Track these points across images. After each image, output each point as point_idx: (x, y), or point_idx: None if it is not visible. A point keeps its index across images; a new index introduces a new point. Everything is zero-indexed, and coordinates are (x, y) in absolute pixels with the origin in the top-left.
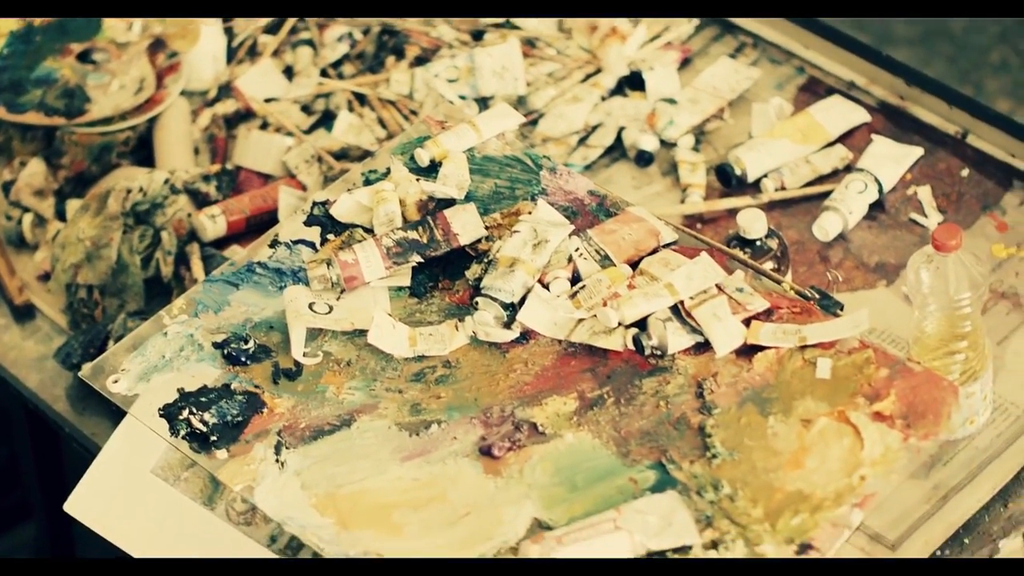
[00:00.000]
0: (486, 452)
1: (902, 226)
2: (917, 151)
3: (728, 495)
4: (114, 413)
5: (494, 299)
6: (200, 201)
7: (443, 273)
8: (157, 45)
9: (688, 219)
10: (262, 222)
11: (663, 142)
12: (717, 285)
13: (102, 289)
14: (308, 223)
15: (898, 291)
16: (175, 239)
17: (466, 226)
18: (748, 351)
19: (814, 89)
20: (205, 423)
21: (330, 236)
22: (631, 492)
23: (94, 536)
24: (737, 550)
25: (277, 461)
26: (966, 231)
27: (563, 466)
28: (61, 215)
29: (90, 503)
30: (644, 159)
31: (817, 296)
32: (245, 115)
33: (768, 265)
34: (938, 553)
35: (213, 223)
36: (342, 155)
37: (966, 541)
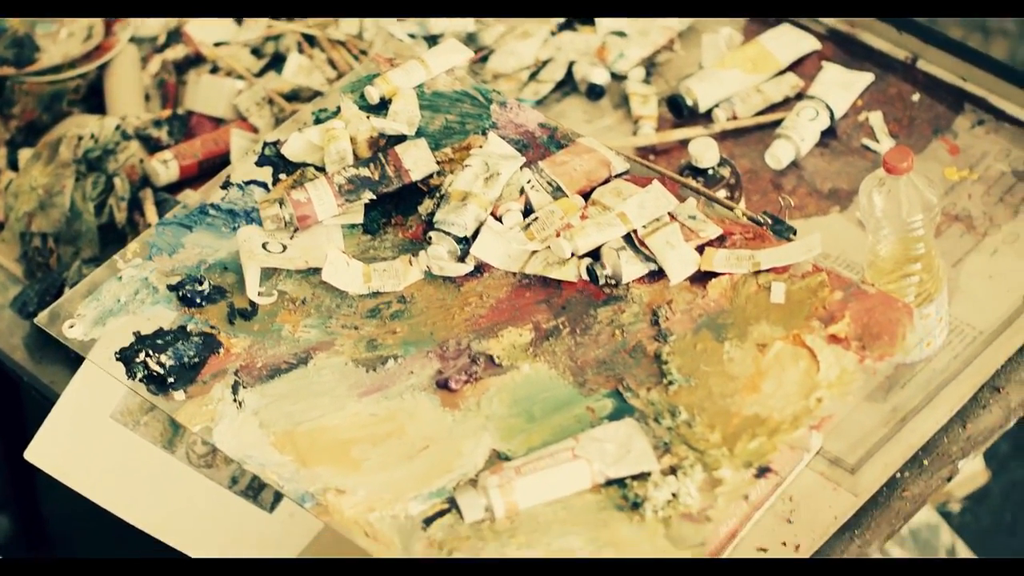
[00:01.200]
0: (443, 385)
1: (854, 152)
2: (867, 77)
3: (686, 421)
4: (72, 361)
5: (447, 233)
6: (152, 146)
7: (396, 209)
8: None
9: (641, 151)
10: (214, 166)
11: (614, 75)
12: (669, 213)
13: (56, 237)
14: (259, 163)
15: (852, 217)
16: (128, 185)
17: (417, 162)
18: (702, 278)
19: (763, 18)
20: (162, 365)
21: (282, 176)
22: (588, 421)
23: (59, 487)
24: (695, 475)
25: (235, 401)
26: (918, 155)
27: (520, 397)
28: (13, 165)
29: (50, 451)
30: (595, 92)
31: (770, 221)
32: (195, 60)
33: (721, 194)
34: (898, 475)
35: (165, 168)
36: (293, 96)
37: (925, 463)
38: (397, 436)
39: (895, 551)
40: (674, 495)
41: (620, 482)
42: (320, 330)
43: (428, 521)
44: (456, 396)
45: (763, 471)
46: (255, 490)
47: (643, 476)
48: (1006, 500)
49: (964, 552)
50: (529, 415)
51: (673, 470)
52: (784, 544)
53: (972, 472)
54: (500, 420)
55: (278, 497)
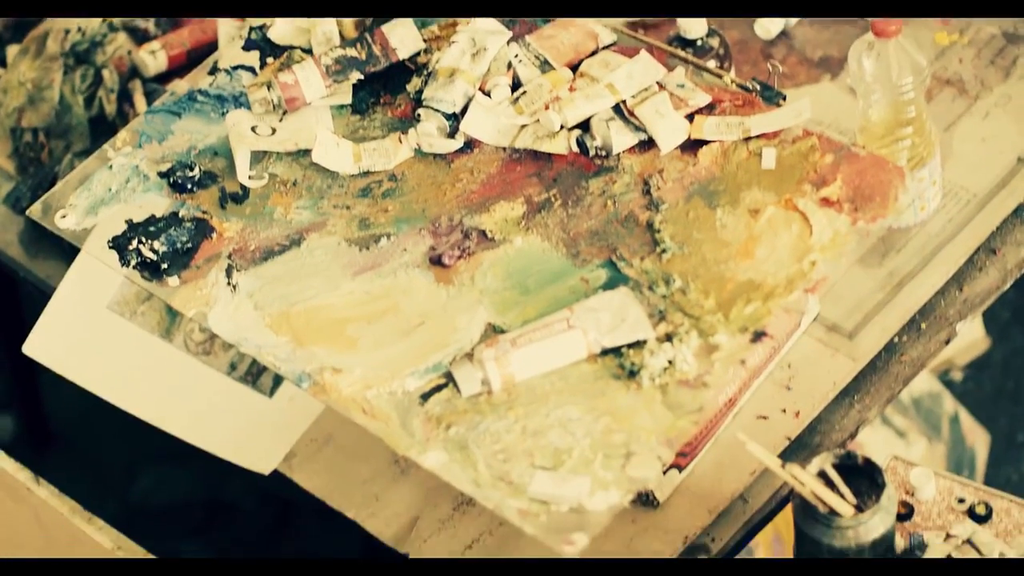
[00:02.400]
0: (436, 261)
1: (844, 19)
2: None
3: (680, 288)
4: (67, 255)
5: (436, 110)
6: (140, 37)
7: (384, 88)
8: None
9: (629, 24)
10: (203, 55)
11: None
12: (658, 82)
13: (47, 131)
14: (247, 48)
15: (843, 85)
16: (117, 77)
17: (404, 40)
18: (692, 146)
19: None
20: (155, 251)
21: (269, 59)
22: (583, 292)
23: (61, 385)
24: (691, 342)
25: (229, 284)
26: (907, 22)
27: (514, 270)
28: (1, 61)
29: (48, 344)
30: None
31: (759, 87)
32: None
33: (711, 64)
34: (896, 340)
35: (154, 58)
36: None
37: (923, 326)
38: (392, 313)
39: (897, 420)
40: (670, 362)
41: (616, 351)
42: (312, 211)
43: (425, 396)
44: (450, 272)
45: (759, 335)
46: (254, 375)
47: (639, 344)
48: (1008, 367)
49: (966, 419)
50: (523, 288)
51: (668, 337)
52: (784, 411)
53: (973, 340)
54: (494, 294)
55: (277, 381)
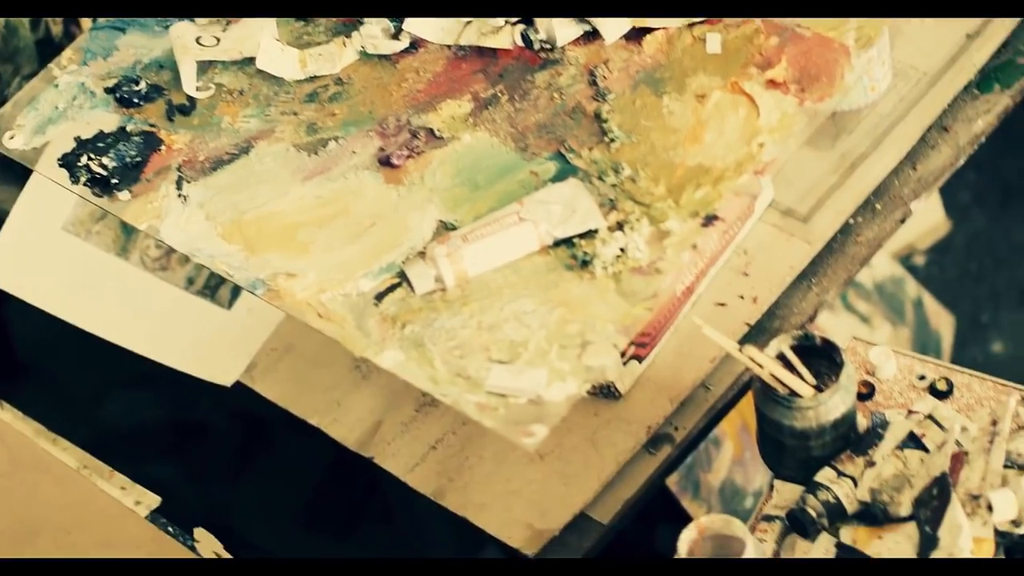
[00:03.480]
0: (385, 162)
1: None
2: None
3: (630, 176)
4: (20, 178)
5: None
6: None
7: None
8: None
9: None
10: None
11: None
12: None
13: None
14: None
15: None
16: None
17: None
18: (637, 35)
19: None
20: (104, 167)
21: None
22: (533, 185)
23: (26, 315)
24: (643, 229)
25: (180, 195)
26: None
27: (463, 167)
28: None
29: (5, 268)
30: None
31: None
32: None
33: None
34: (851, 221)
35: None
36: None
37: (878, 207)
38: (343, 216)
39: (861, 306)
40: (622, 250)
41: (568, 242)
42: (260, 119)
43: (380, 296)
44: (399, 172)
45: (710, 219)
46: (212, 288)
47: (590, 234)
48: (970, 249)
49: (930, 302)
50: (473, 184)
51: (620, 226)
52: (742, 297)
53: (934, 223)
54: (444, 191)
55: (236, 293)
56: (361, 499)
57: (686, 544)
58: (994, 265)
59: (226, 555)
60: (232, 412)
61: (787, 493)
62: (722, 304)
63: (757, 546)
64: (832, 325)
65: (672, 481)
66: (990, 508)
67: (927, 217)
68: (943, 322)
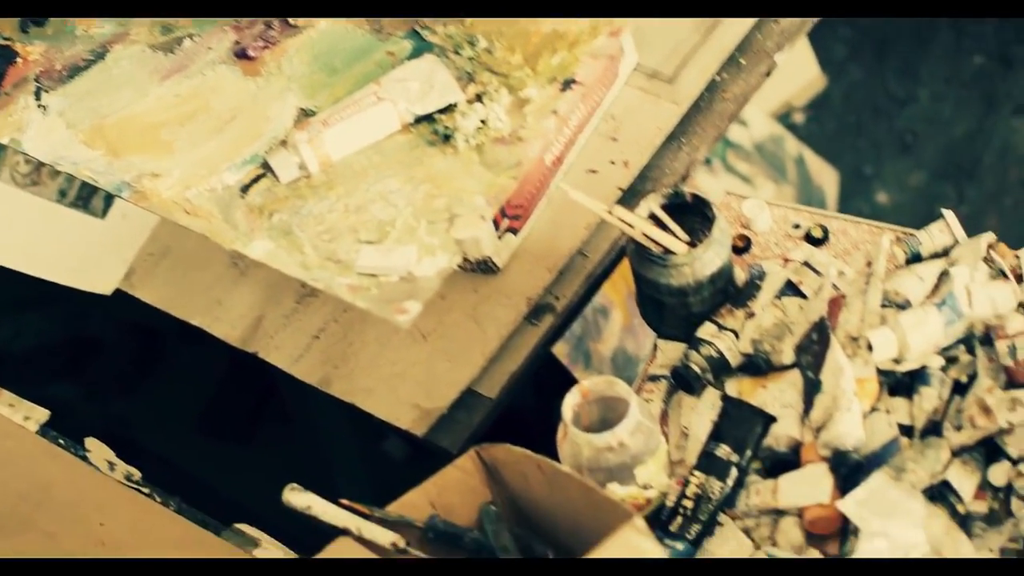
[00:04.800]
0: (242, 55)
1: None
2: None
3: (485, 48)
4: None
5: None
6: None
7: None
8: None
9: None
10: None
11: None
12: None
13: None
14: None
15: None
16: None
17: None
18: None
19: None
20: None
21: None
22: (390, 64)
23: None
24: (502, 99)
25: (39, 106)
26: None
27: (320, 53)
28: None
29: None
30: None
31: None
32: None
33: None
34: (717, 78)
35: None
36: None
37: (743, 62)
38: (203, 112)
39: (742, 167)
40: (483, 121)
41: (428, 118)
42: (113, 23)
43: (245, 188)
44: (256, 63)
45: (568, 83)
46: (84, 199)
47: (450, 108)
48: (848, 103)
49: (812, 158)
50: (331, 69)
51: (479, 98)
52: (613, 163)
53: (809, 80)
54: (303, 79)
55: (109, 201)
56: (258, 401)
57: (570, 408)
58: (873, 117)
59: (118, 462)
60: (124, 325)
61: (670, 351)
62: (593, 171)
63: (642, 406)
64: (713, 188)
65: (563, 353)
66: (870, 348)
67: (802, 74)
68: (826, 177)
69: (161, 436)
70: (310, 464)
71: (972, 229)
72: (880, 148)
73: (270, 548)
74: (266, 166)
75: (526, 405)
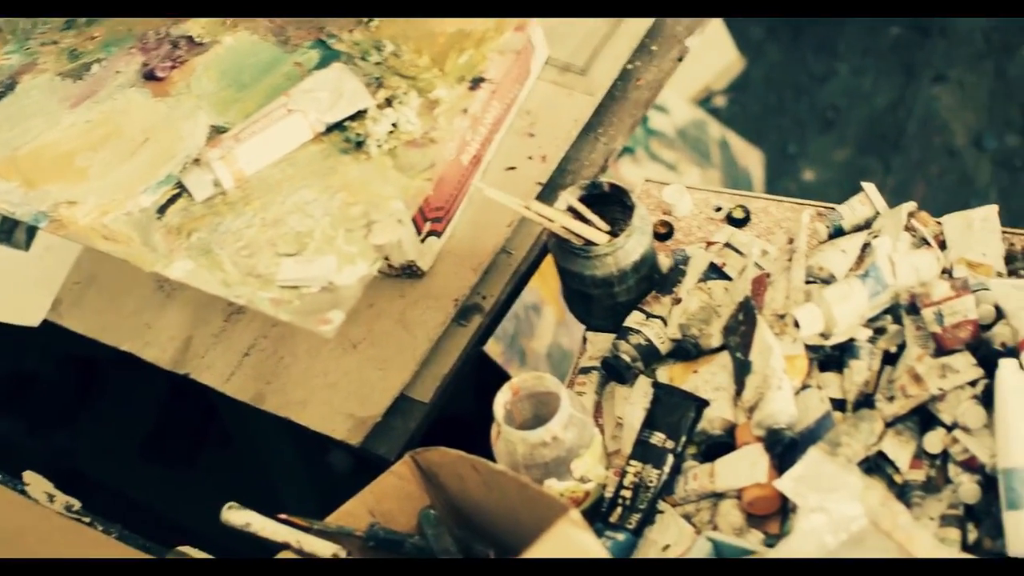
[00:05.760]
0: (150, 76)
1: None
2: None
3: (393, 52)
4: None
5: None
6: None
7: None
8: None
9: None
10: None
11: None
12: None
13: None
14: None
15: None
16: None
17: None
18: None
19: None
20: None
21: None
22: (298, 75)
23: None
24: (412, 102)
25: None
26: None
27: (227, 69)
28: None
29: None
30: None
31: None
32: None
33: None
34: (629, 66)
35: None
36: None
37: (654, 48)
38: (116, 136)
39: (666, 154)
40: (394, 125)
41: (339, 126)
42: (20, 54)
43: (162, 210)
44: (165, 83)
45: (477, 82)
46: (7, 232)
47: (360, 115)
48: (768, 83)
49: (735, 140)
50: (239, 84)
51: (389, 102)
52: (530, 158)
53: (727, 63)
54: (212, 96)
55: (31, 233)
56: (200, 423)
57: (502, 407)
58: (794, 95)
59: (58, 494)
60: (60, 356)
61: (600, 343)
62: (512, 168)
63: (573, 399)
64: (638, 176)
65: (497, 352)
66: (797, 325)
67: (720, 57)
68: (751, 158)
69: (106, 465)
70: (255, 482)
71: (900, 199)
72: (803, 126)
73: None
74: (181, 186)
75: (466, 408)
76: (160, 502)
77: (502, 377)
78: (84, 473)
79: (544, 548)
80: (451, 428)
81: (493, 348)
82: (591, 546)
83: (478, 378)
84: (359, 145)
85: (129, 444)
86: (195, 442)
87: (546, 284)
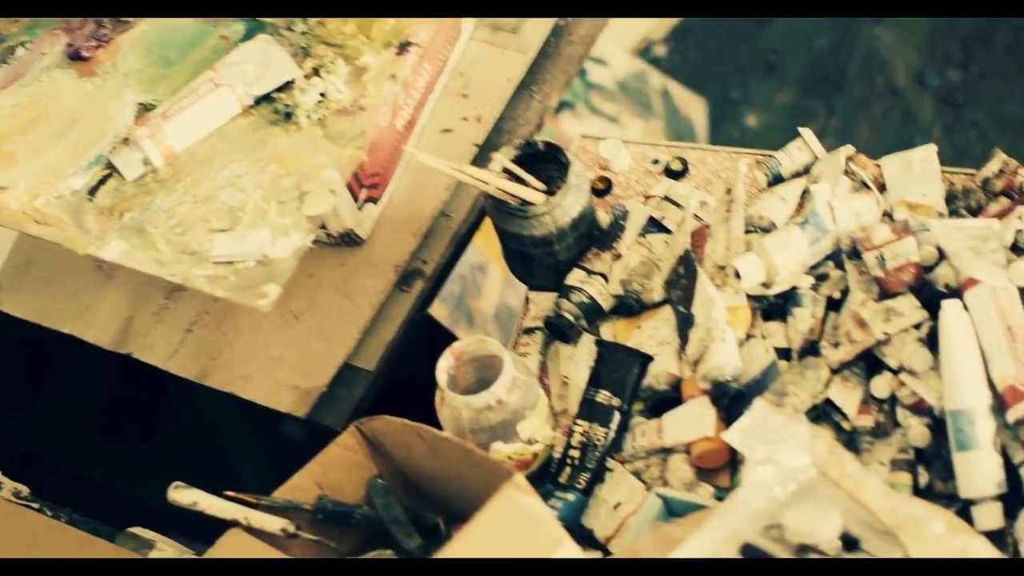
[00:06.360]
0: (76, 57)
1: None
2: None
3: (318, 21)
4: None
5: None
6: None
7: None
8: None
9: None
10: None
11: None
12: None
13: None
14: None
15: None
16: None
17: None
18: None
19: None
20: None
21: None
22: (224, 49)
23: None
24: (339, 70)
25: None
26: None
27: (153, 45)
28: None
29: None
30: None
31: None
32: None
33: None
34: (560, 23)
35: None
36: None
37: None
38: (43, 119)
39: (607, 107)
40: (323, 95)
41: (267, 98)
42: None
43: (93, 191)
44: (91, 63)
45: (404, 46)
46: None
47: (288, 86)
48: (708, 31)
49: (677, 90)
50: (166, 60)
51: (316, 71)
52: (465, 119)
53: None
54: (139, 73)
55: None
56: (152, 400)
57: (444, 372)
58: (734, 41)
59: (5, 480)
60: (8, 340)
61: (542, 302)
62: (448, 130)
63: (516, 361)
64: (580, 131)
65: (443, 315)
66: (738, 275)
67: None
68: (694, 107)
69: (61, 446)
70: (211, 458)
71: (844, 141)
72: (745, 71)
73: (166, 549)
74: (111, 166)
75: (419, 373)
76: (118, 481)
77: (452, 340)
78: (41, 455)
79: (489, 514)
80: (404, 394)
81: (440, 311)
82: (536, 510)
83: (428, 342)
84: (288, 116)
85: (83, 424)
86: (148, 420)
87: (490, 244)
